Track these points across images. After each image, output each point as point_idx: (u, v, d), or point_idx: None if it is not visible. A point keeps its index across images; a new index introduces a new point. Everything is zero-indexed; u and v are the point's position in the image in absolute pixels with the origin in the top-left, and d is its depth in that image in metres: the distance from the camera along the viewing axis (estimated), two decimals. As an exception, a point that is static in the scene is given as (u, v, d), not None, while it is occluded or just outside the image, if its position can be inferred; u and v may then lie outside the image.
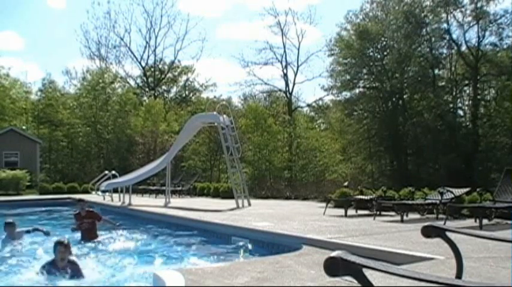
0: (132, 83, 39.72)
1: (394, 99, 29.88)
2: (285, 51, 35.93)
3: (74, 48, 58.04)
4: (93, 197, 16.01)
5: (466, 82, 28.79)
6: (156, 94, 38.46)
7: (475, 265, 3.73)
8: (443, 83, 29.16)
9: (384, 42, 29.99)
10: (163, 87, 41.48)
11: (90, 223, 8.23)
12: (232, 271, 4.24)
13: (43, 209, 13.97)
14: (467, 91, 29.53)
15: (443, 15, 28.06)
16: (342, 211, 10.00)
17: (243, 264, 4.89)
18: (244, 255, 6.43)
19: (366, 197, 10.71)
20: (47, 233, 7.76)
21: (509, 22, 26.14)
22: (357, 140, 30.54)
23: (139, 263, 6.11)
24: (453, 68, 28.99)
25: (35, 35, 54.10)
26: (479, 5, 26.60)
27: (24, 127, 31.95)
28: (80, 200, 8.71)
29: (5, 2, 46.16)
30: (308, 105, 39.12)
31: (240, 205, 12.08)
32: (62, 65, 68.91)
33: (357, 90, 31.40)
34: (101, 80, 31.69)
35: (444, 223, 7.45)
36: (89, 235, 8.10)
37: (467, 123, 28.97)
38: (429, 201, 9.64)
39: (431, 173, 26.69)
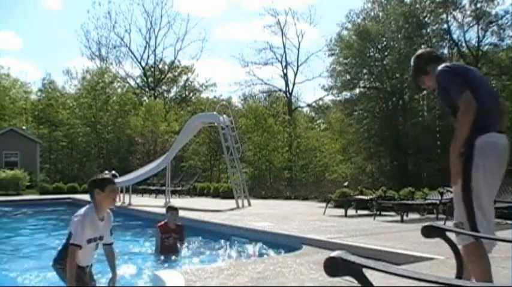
0: (132, 83, 39.79)
1: (394, 99, 29.88)
2: (284, 51, 36.03)
3: (72, 49, 58.31)
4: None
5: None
6: (156, 94, 38.47)
7: (475, 265, 3.73)
8: (443, 83, 29.11)
9: (385, 43, 30.00)
10: (163, 87, 41.50)
11: (175, 239, 6.66)
12: (232, 271, 4.24)
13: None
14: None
15: (443, 15, 28.07)
16: (342, 211, 10.00)
17: (243, 264, 4.88)
18: (244, 255, 6.42)
19: (366, 197, 10.71)
20: None
21: (510, 23, 26.18)
22: (357, 140, 30.54)
23: (139, 264, 6.10)
24: (453, 68, 28.96)
25: (33, 36, 54.28)
26: (479, 5, 26.63)
27: (24, 127, 31.95)
28: (172, 208, 6.90)
29: (2, 2, 46.30)
30: (308, 105, 39.22)
31: (240, 205, 12.07)
32: (60, 65, 69.04)
33: (357, 90, 31.42)
34: (100, 80, 31.70)
35: (444, 223, 7.45)
36: (171, 254, 6.49)
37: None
38: (429, 201, 9.65)
39: (431, 173, 26.69)
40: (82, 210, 3.55)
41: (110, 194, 3.56)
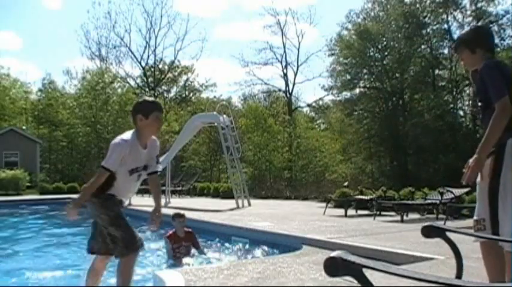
0: (132, 83, 39.76)
1: (394, 99, 29.89)
2: (284, 51, 36.04)
3: (72, 49, 58.31)
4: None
5: (467, 82, 28.77)
6: (156, 94, 38.45)
7: (475, 265, 3.72)
8: (443, 83, 29.15)
9: (385, 43, 30.01)
10: (164, 87, 41.51)
11: (187, 248, 6.13)
12: (232, 271, 4.23)
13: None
14: (468, 91, 29.54)
15: (444, 15, 28.08)
16: (342, 211, 10.00)
17: (243, 264, 4.88)
18: (244, 255, 6.42)
19: (366, 197, 10.71)
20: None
21: (510, 23, 26.18)
22: (357, 140, 30.54)
23: (139, 264, 6.09)
24: (453, 68, 28.97)
25: (33, 36, 54.33)
26: (479, 5, 26.65)
27: (24, 127, 31.97)
28: (178, 215, 6.27)
29: (2, 2, 46.36)
30: (308, 105, 39.22)
31: (240, 205, 12.07)
32: (60, 65, 69.03)
33: (357, 90, 31.44)
34: (100, 80, 31.70)
35: (444, 223, 7.45)
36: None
37: (468, 124, 28.96)
38: (429, 201, 9.64)
39: (431, 173, 26.68)
40: (125, 134, 3.18)
41: (154, 123, 3.17)
